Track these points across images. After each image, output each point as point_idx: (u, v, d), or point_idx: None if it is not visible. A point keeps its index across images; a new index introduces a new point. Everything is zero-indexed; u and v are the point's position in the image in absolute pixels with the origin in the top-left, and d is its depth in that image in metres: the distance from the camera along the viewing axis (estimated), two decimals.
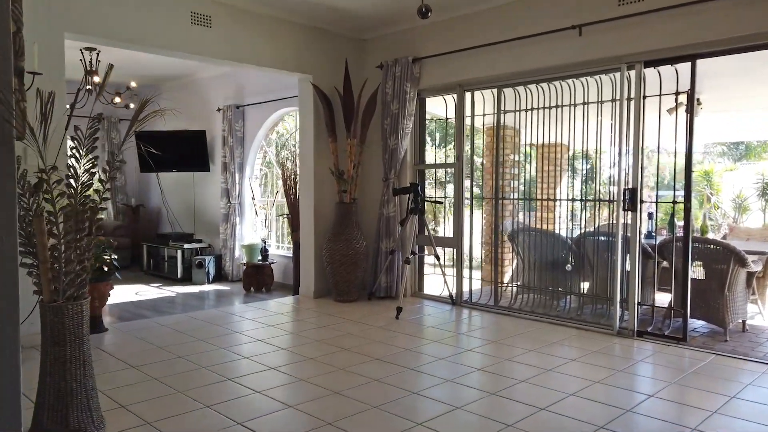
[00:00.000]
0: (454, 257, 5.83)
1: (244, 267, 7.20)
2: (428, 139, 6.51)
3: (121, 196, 9.53)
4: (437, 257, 5.70)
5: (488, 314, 5.42)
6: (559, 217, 6.09)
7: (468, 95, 5.72)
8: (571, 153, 5.88)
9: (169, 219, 9.21)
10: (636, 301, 4.68)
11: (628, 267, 4.73)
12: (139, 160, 8.59)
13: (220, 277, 7.78)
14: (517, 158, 6.92)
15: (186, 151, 8.29)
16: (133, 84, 7.33)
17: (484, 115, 5.73)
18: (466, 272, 5.80)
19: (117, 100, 7.12)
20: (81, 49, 6.82)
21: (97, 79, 6.76)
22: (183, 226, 9.01)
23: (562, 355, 4.14)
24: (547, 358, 4.05)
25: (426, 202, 6.09)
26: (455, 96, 5.76)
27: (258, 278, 7.12)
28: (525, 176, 6.19)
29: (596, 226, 5.29)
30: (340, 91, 5.93)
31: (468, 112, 5.73)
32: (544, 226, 6.22)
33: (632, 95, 4.66)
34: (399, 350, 4.22)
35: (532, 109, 5.35)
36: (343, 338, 4.53)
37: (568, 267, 5.20)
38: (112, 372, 3.74)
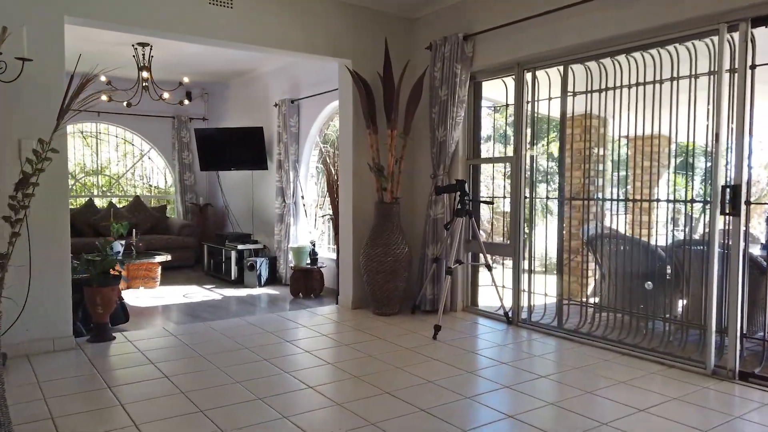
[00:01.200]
0: (512, 267, 4.92)
1: (292, 271, 6.71)
2: (488, 129, 5.64)
3: (190, 195, 9.44)
4: (489, 267, 4.83)
5: (548, 338, 4.47)
6: (656, 221, 5.00)
7: (528, 76, 4.79)
8: (660, 142, 4.76)
9: (229, 219, 8.99)
10: (739, 332, 3.56)
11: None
12: (199, 158, 8.40)
13: (274, 280, 7.35)
14: (601, 151, 5.84)
15: (244, 149, 7.97)
16: (185, 79, 7.08)
17: (549, 99, 4.76)
18: (537, 286, 4.87)
19: (165, 95, 6.88)
20: (134, 45, 6.65)
21: (145, 74, 6.54)
22: (243, 226, 8.73)
23: (626, 401, 3.15)
24: (602, 407, 3.09)
25: (479, 203, 5.22)
26: (514, 78, 4.85)
27: (306, 283, 6.59)
28: (613, 172, 5.15)
29: (703, 232, 4.15)
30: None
31: (528, 96, 4.80)
32: (634, 232, 5.11)
33: (735, 65, 3.55)
34: (420, 382, 3.44)
35: (607, 89, 4.33)
36: (360, 362, 3.82)
37: (649, 285, 4.13)
38: (80, 394, 3.31)
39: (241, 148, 7.99)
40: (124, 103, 7.15)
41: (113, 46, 6.66)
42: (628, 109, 4.23)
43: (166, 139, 9.44)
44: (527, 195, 4.84)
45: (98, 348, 4.09)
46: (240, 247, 7.47)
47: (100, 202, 9.07)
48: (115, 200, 9.32)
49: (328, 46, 5.17)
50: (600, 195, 5.59)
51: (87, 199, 8.74)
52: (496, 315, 5.03)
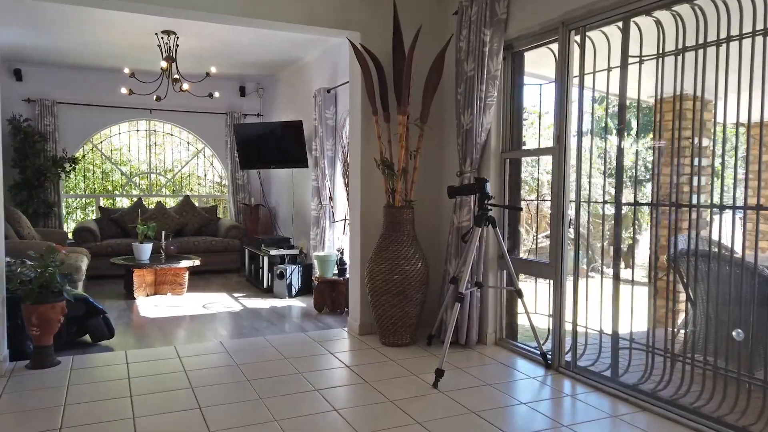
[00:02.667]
0: (551, 293, 3.69)
1: (316, 282, 5.87)
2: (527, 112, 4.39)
3: (242, 195, 8.94)
4: (518, 293, 3.65)
5: (597, 395, 3.23)
6: None
7: (576, 39, 3.54)
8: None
9: (271, 221, 8.35)
10: None
11: None
12: (238, 156, 7.82)
13: (309, 289, 6.56)
14: (699, 142, 4.39)
15: (284, 145, 7.26)
16: (213, 69, 6.47)
17: (608, 69, 3.49)
18: (587, 316, 3.63)
19: (185, 87, 6.30)
20: (157, 33, 6.14)
21: (163, 64, 6.00)
22: (286, 229, 8.05)
23: None
24: None
25: (507, 209, 4.02)
26: (558, 42, 3.63)
27: (332, 297, 5.72)
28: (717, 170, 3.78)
29: None
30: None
31: (575, 68, 3.56)
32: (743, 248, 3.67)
33: None
34: None
35: (683, 50, 3.02)
36: (306, 423, 2.86)
37: (738, 334, 2.76)
38: None
39: (280, 145, 7.29)
40: (153, 97, 6.69)
41: (138, 37, 6.19)
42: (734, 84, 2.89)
43: (220, 136, 9.00)
44: (573, 197, 3.60)
45: (31, 376, 3.47)
46: (272, 252, 6.76)
47: (147, 202, 8.81)
48: (170, 200, 9.04)
49: (332, 17, 4.24)
50: (695, 198, 4.16)
51: (136, 199, 8.49)
52: (536, 354, 3.83)
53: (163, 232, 6.80)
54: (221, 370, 3.63)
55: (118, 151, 9.34)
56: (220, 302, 6.20)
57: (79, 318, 4.40)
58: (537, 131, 4.46)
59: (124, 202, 9.41)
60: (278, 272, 6.48)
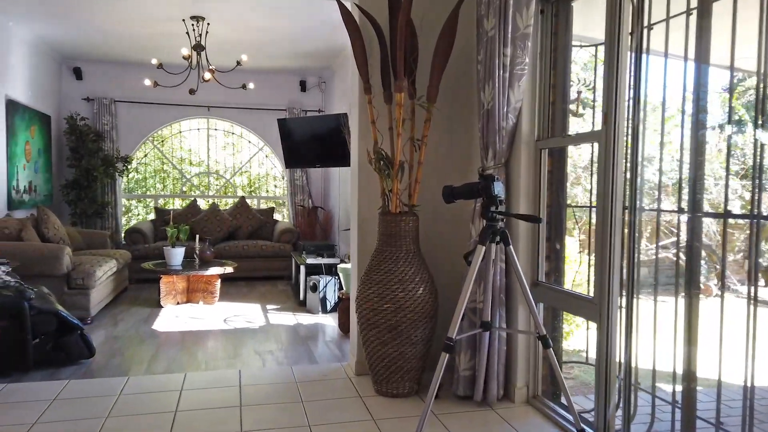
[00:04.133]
0: (597, 342, 2.52)
1: (339, 299, 5.03)
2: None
3: (300, 197, 8.32)
4: (543, 340, 2.51)
5: None
6: None
7: None
8: None
9: (320, 224, 7.60)
10: None
11: None
12: (283, 153, 7.17)
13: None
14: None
15: (328, 141, 6.49)
16: (244, 57, 5.84)
17: (667, 19, 2.27)
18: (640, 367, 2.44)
19: (207, 76, 5.71)
20: (185, 20, 5.64)
21: (185, 51, 5.45)
22: (344, 234, 7.28)
23: None
24: None
25: (518, 218, 2.84)
26: None
27: None
28: None
29: None
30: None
31: (629, 23, 2.37)
32: None
33: None
34: None
35: None
36: None
37: None
38: None
39: (324, 141, 6.54)
40: (188, 90, 6.20)
41: (165, 22, 5.73)
42: None
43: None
44: (627, 204, 2.41)
45: None
46: (310, 260, 6.01)
47: (204, 203, 8.46)
48: (230, 201, 8.66)
49: None
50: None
51: (191, 199, 8.16)
52: (583, 417, 2.67)
53: (197, 236, 6.31)
54: (131, 418, 2.88)
55: (179, 150, 9.13)
56: (245, 316, 5.55)
57: (52, 334, 3.91)
58: (592, 112, 3.27)
59: (179, 203, 9.19)
60: (311, 284, 5.71)
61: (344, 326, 4.87)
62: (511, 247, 2.50)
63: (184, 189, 9.01)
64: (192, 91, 6.10)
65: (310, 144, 6.70)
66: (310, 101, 8.42)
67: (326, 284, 5.67)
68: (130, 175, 8.92)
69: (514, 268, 2.57)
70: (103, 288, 5.48)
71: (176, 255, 6.02)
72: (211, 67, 5.86)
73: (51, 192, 7.12)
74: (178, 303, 6.00)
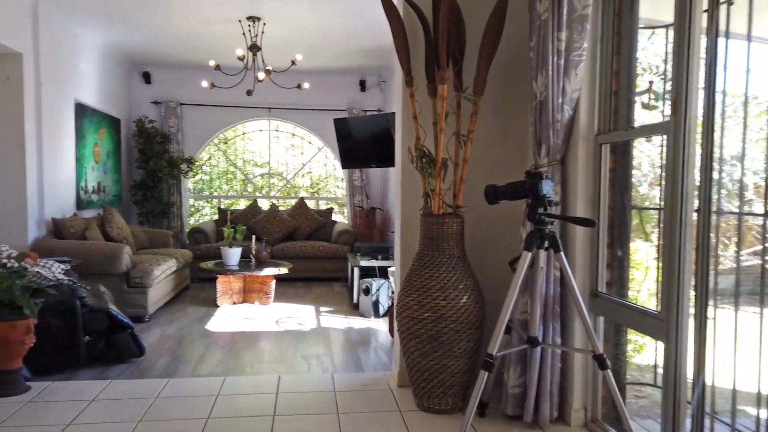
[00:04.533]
0: (664, 362, 2.18)
1: (391, 303, 4.83)
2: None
3: (359, 197, 8.21)
4: (600, 361, 2.19)
5: None
6: None
7: None
8: None
9: (377, 226, 7.43)
10: None
11: None
12: (339, 153, 7.06)
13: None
14: None
15: (385, 141, 6.32)
16: (298, 57, 5.78)
17: None
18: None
19: (261, 76, 5.66)
20: (241, 20, 5.65)
21: (240, 51, 5.44)
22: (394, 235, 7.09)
23: None
24: None
25: (564, 221, 2.49)
26: None
27: None
28: None
29: None
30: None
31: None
32: None
33: None
34: None
35: None
36: None
37: None
38: None
39: (381, 141, 6.37)
40: (245, 92, 6.21)
41: (222, 24, 5.76)
42: None
43: None
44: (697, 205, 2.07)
45: None
46: (363, 262, 5.86)
47: (267, 204, 8.51)
48: (293, 202, 8.68)
49: None
50: None
51: (252, 200, 8.23)
52: None
53: (254, 236, 6.31)
54: (167, 424, 2.80)
55: (244, 152, 9.25)
56: (298, 318, 5.47)
57: (104, 333, 3.96)
58: (665, 105, 2.89)
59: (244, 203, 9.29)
60: (364, 287, 5.55)
61: (394, 332, 4.67)
62: (562, 253, 2.22)
63: (249, 189, 9.12)
64: (249, 92, 6.11)
65: (366, 144, 6.56)
66: (370, 101, 8.29)
67: (379, 287, 5.50)
68: (197, 176, 9.14)
69: (565, 277, 2.28)
70: (162, 287, 5.56)
71: (233, 255, 6.04)
72: (267, 68, 5.84)
73: (120, 192, 7.36)
74: (234, 303, 6.02)
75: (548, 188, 2.16)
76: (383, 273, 5.75)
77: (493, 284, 3.02)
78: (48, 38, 5.33)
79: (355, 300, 5.87)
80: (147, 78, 7.89)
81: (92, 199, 6.40)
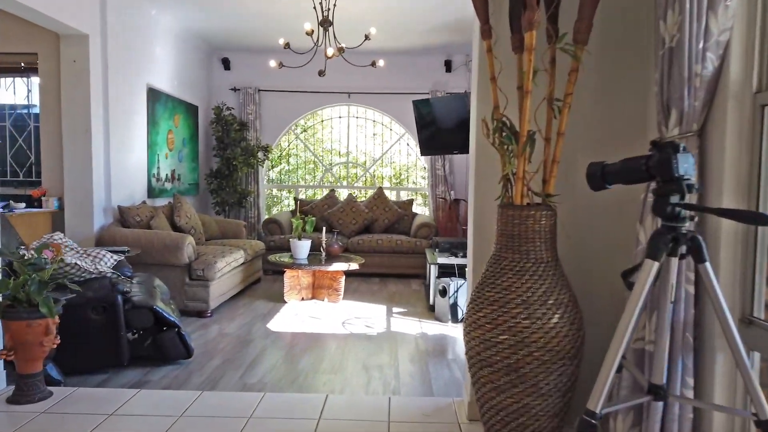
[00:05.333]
0: None
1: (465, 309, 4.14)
2: None
3: (441, 188, 7.54)
4: (764, 426, 1.42)
5: None
6: None
7: None
8: None
9: (460, 219, 6.70)
10: None
11: None
12: (418, 138, 6.41)
13: None
14: None
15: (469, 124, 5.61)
16: (372, 31, 5.20)
17: None
18: None
19: (330, 52, 5.12)
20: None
21: (308, 26, 4.94)
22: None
23: None
24: None
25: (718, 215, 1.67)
26: None
27: None
28: None
29: None
30: None
31: None
32: None
33: None
34: None
35: None
36: None
37: None
38: None
39: (465, 124, 5.66)
40: (317, 72, 5.73)
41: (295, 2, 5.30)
42: None
43: None
44: None
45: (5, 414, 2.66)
46: (441, 260, 5.21)
47: (344, 194, 8.05)
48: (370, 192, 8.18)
49: None
50: None
51: (329, 190, 7.79)
52: None
53: (323, 228, 5.83)
54: None
55: (323, 140, 8.86)
56: (367, 319, 4.93)
57: (150, 330, 3.62)
58: None
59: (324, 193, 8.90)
60: (440, 287, 4.91)
61: None
62: (708, 264, 1.46)
63: (332, 180, 8.73)
64: (321, 73, 5.62)
65: (448, 128, 5.89)
66: (456, 83, 7.57)
67: (458, 288, 4.83)
68: (280, 166, 8.87)
69: (711, 296, 1.52)
70: (227, 280, 5.22)
71: (302, 248, 5.61)
72: (340, 45, 5.31)
73: (197, 181, 7.18)
74: (302, 299, 5.59)
75: (687, 166, 1.41)
76: (463, 272, 5.07)
77: (595, 301, 2.28)
78: (117, 19, 5.12)
79: (431, 301, 5.24)
80: (226, 64, 7.66)
81: (165, 187, 6.21)
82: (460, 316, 4.83)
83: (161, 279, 4.73)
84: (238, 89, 7.67)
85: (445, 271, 5.18)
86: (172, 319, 3.62)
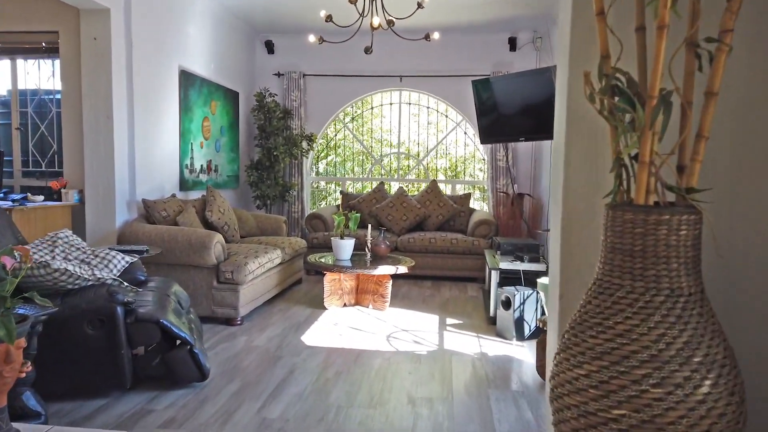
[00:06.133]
0: None
1: (537, 325, 3.41)
2: None
3: (503, 181, 6.73)
4: None
5: None
6: None
7: None
8: None
9: (525, 217, 5.88)
10: None
11: None
12: (477, 123, 5.64)
13: None
14: None
15: (541, 106, 4.82)
16: None
17: None
18: None
19: (376, 21, 4.41)
20: None
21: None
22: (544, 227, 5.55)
23: None
24: None
25: None
26: None
27: None
28: None
29: None
30: None
31: None
32: None
33: None
34: None
35: None
36: None
37: None
38: None
39: (535, 106, 4.86)
40: (362, 49, 5.06)
41: None
42: None
43: None
44: None
45: None
46: (504, 264, 4.45)
47: (395, 187, 7.37)
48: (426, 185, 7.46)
49: None
50: None
51: (378, 183, 7.13)
52: None
53: (369, 225, 5.17)
54: None
55: (374, 129, 8.20)
56: (416, 331, 4.24)
57: (160, 347, 3.06)
58: None
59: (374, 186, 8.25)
60: (503, 298, 4.15)
61: (543, 370, 3.24)
62: None
63: (383, 172, 8.07)
64: (368, 50, 4.95)
65: (514, 111, 5.10)
66: (522, 63, 6.72)
67: (524, 300, 4.06)
68: (329, 157, 8.31)
69: None
70: (260, 283, 4.65)
71: (344, 248, 4.97)
72: (389, 17, 4.62)
73: (237, 173, 6.68)
74: (344, 305, 4.96)
75: None
76: (531, 280, 4.29)
77: (764, 360, 1.50)
78: None
79: (491, 312, 4.48)
80: (270, 47, 7.12)
81: (200, 179, 5.72)
82: (526, 332, 4.07)
83: (185, 282, 4.21)
84: (282, 74, 7.11)
85: (509, 276, 4.42)
86: (184, 335, 3.04)
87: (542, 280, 3.48)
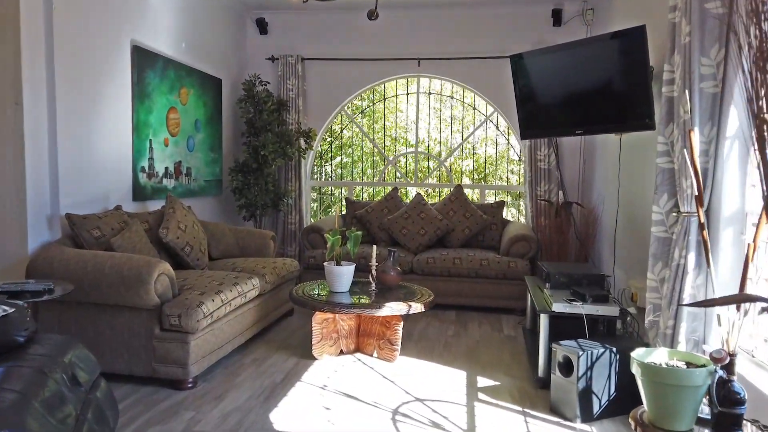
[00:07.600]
0: None
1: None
2: None
3: (545, 186, 5.42)
4: None
5: None
6: None
7: None
8: None
9: (576, 231, 4.57)
10: None
11: None
12: (518, 113, 4.34)
13: (635, 401, 2.68)
14: None
15: (603, 90, 3.51)
16: None
17: None
18: None
19: None
20: None
21: None
22: (608, 253, 4.24)
23: None
24: None
25: None
26: None
27: None
28: None
29: None
30: None
31: None
32: None
33: None
34: None
35: None
36: None
37: None
38: None
39: (594, 90, 3.56)
40: (371, 29, 3.82)
41: None
42: None
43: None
44: None
45: None
46: (558, 306, 3.14)
47: (412, 192, 6.13)
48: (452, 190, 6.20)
49: None
50: None
51: (391, 188, 5.87)
52: None
53: (374, 247, 3.90)
54: None
55: (390, 125, 6.95)
56: (434, 398, 2.98)
57: None
58: None
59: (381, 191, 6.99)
60: (561, 358, 2.85)
61: None
62: None
63: (396, 176, 6.82)
64: (372, 14, 3.70)
65: (568, 94, 3.81)
66: (567, 40, 5.39)
67: (593, 362, 2.76)
68: (338, 158, 7.11)
69: None
70: (225, 328, 3.43)
71: (340, 277, 3.73)
72: None
73: (219, 177, 5.50)
74: (341, 352, 3.73)
75: None
76: (600, 330, 2.99)
77: None
78: None
79: (540, 372, 3.19)
80: (262, 26, 5.93)
81: (164, 185, 4.54)
82: (595, 410, 2.77)
83: (117, 329, 3.04)
84: (277, 58, 5.91)
85: (564, 318, 3.13)
86: None
87: (641, 355, 2.16)
